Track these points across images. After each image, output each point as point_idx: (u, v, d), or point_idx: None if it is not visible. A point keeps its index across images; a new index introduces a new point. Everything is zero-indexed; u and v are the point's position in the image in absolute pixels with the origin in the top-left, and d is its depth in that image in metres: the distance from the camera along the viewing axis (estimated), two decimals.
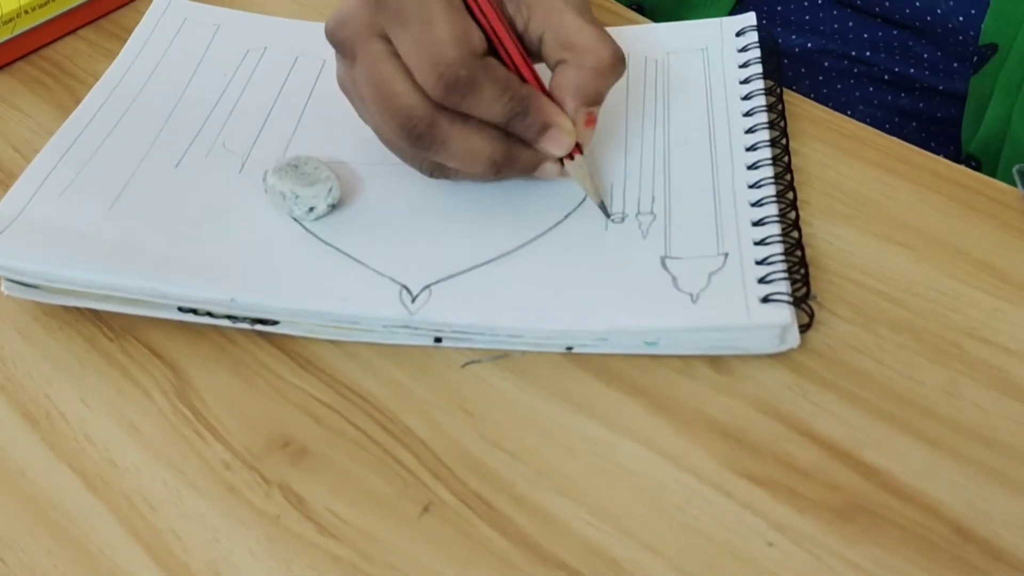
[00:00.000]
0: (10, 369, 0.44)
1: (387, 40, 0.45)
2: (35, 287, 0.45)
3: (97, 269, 0.44)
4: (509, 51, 0.45)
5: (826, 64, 0.68)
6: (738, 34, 0.55)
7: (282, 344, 0.44)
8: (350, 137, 0.49)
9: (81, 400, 0.43)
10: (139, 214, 0.48)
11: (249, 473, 0.40)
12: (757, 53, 0.54)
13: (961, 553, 0.36)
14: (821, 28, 0.67)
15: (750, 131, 0.50)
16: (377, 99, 0.45)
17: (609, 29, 0.46)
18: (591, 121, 0.46)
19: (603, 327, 0.42)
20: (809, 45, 0.68)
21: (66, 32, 0.62)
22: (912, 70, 0.66)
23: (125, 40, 0.59)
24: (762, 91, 0.52)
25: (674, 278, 0.44)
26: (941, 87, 0.65)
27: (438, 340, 0.43)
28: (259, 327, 0.44)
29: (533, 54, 0.47)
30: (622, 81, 0.54)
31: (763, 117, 0.50)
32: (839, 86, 0.68)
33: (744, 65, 0.54)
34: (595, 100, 0.46)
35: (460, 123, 0.45)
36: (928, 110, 0.67)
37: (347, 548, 0.38)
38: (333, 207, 0.48)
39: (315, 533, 0.38)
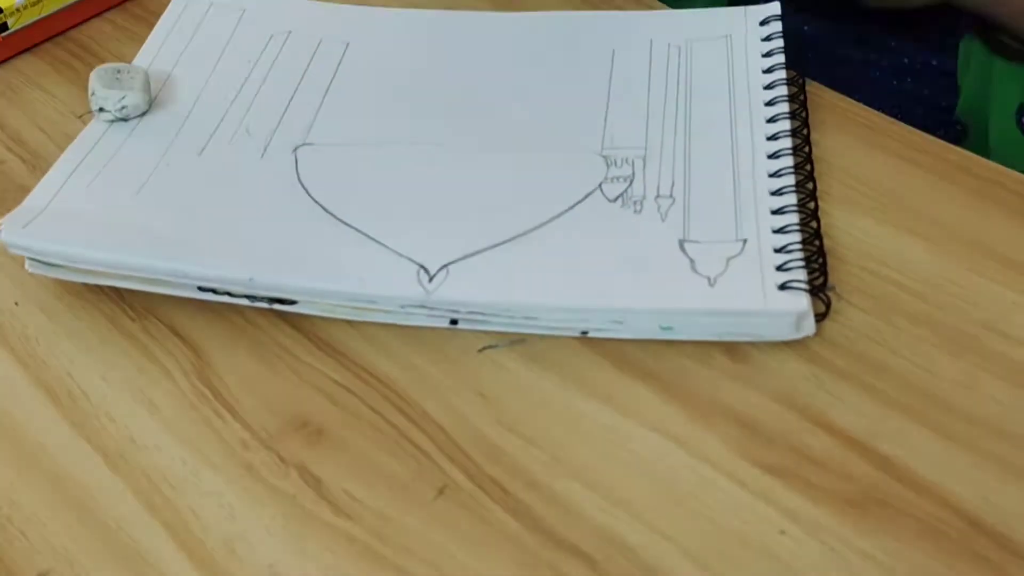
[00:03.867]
0: (33, 346, 0.45)
1: None
2: (58, 266, 0.45)
3: (118, 250, 0.45)
4: None
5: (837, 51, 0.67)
6: (762, 23, 0.55)
7: (301, 325, 0.45)
8: (370, 119, 0.50)
9: (102, 378, 0.44)
10: (163, 201, 0.48)
11: (266, 453, 0.40)
12: (781, 43, 0.54)
13: (975, 546, 0.36)
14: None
15: (771, 120, 0.50)
16: None
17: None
18: None
19: (619, 306, 0.42)
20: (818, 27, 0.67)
21: (93, 14, 0.63)
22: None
23: (151, 23, 0.59)
24: (784, 80, 0.52)
25: (692, 261, 0.44)
26: (935, 62, 0.65)
27: (454, 322, 0.44)
28: (277, 306, 0.45)
29: None
30: (643, 67, 0.54)
31: (784, 106, 0.50)
32: (849, 69, 0.68)
33: (767, 54, 0.53)
34: None
35: None
36: (932, 95, 0.66)
37: (362, 529, 0.38)
38: (124, 119, 0.52)
39: (330, 513, 0.38)
